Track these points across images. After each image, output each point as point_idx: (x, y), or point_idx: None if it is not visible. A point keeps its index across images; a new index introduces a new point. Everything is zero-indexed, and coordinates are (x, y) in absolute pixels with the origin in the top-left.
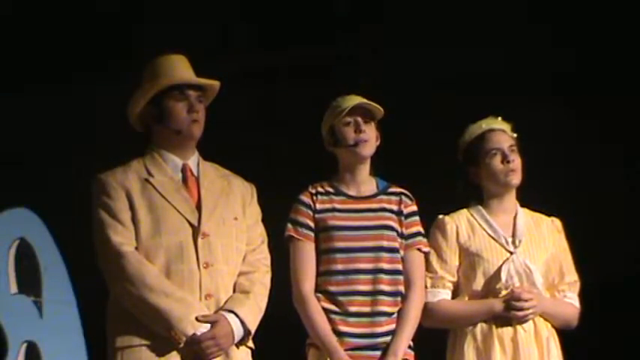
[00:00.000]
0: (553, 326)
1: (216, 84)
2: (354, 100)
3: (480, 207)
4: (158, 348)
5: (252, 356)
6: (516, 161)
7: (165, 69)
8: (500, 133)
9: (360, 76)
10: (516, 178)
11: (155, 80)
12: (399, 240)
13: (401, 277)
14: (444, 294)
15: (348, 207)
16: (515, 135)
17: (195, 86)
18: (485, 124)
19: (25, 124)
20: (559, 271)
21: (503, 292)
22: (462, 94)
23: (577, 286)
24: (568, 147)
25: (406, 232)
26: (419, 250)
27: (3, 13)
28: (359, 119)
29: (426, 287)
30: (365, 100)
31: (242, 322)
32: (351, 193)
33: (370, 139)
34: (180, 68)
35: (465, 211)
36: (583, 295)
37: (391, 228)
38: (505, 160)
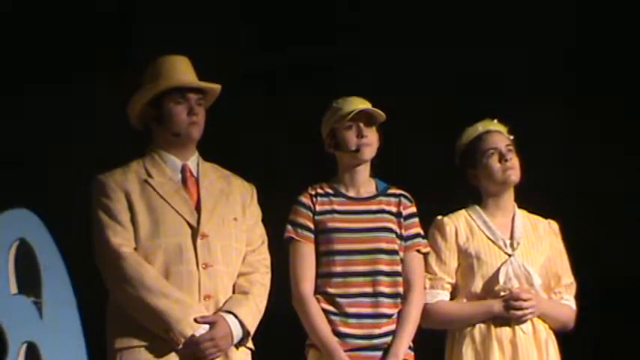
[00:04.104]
0: (550, 328)
1: (216, 87)
2: (356, 103)
3: (478, 208)
4: (157, 349)
5: (252, 357)
6: (514, 159)
7: (166, 70)
8: (497, 134)
9: (360, 76)
10: (515, 175)
11: (156, 81)
12: (399, 242)
13: (400, 279)
14: (442, 295)
15: (348, 208)
16: (511, 137)
17: (195, 89)
18: (482, 126)
19: (25, 124)
20: (555, 273)
21: (502, 295)
22: (462, 94)
23: (573, 288)
24: (568, 147)
25: (405, 233)
26: (418, 251)
27: (3, 13)
28: (361, 124)
29: (424, 288)
30: (367, 106)
31: (241, 323)
32: (351, 194)
33: (372, 143)
34: (181, 70)
35: (463, 211)
36: (583, 296)
37: (390, 230)
38: (503, 158)
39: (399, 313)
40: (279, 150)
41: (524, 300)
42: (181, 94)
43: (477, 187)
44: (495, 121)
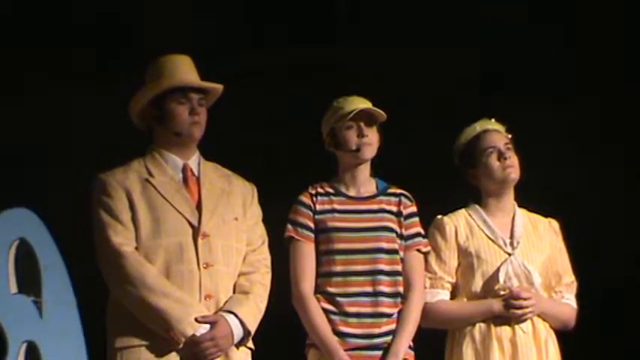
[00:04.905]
0: (551, 327)
1: (219, 87)
2: (356, 102)
3: (478, 207)
4: (158, 348)
5: (253, 357)
6: (513, 158)
7: (169, 70)
8: (495, 132)
9: (360, 76)
10: (514, 173)
11: (158, 81)
12: (399, 241)
13: (400, 278)
14: (442, 294)
15: (348, 208)
16: (509, 135)
17: (197, 88)
18: (480, 125)
19: (25, 124)
20: (556, 272)
21: (502, 294)
22: (462, 94)
23: (574, 287)
24: (568, 147)
25: (405, 233)
26: (418, 250)
27: (3, 13)
28: (361, 124)
29: (424, 287)
30: (368, 105)
31: (241, 323)
32: (351, 193)
33: (372, 142)
34: (183, 70)
35: (463, 211)
36: (583, 296)
37: (390, 229)
38: (502, 157)
39: (399, 312)
40: (279, 150)
41: (524, 299)
42: (183, 93)
43: (476, 186)
44: (493, 120)
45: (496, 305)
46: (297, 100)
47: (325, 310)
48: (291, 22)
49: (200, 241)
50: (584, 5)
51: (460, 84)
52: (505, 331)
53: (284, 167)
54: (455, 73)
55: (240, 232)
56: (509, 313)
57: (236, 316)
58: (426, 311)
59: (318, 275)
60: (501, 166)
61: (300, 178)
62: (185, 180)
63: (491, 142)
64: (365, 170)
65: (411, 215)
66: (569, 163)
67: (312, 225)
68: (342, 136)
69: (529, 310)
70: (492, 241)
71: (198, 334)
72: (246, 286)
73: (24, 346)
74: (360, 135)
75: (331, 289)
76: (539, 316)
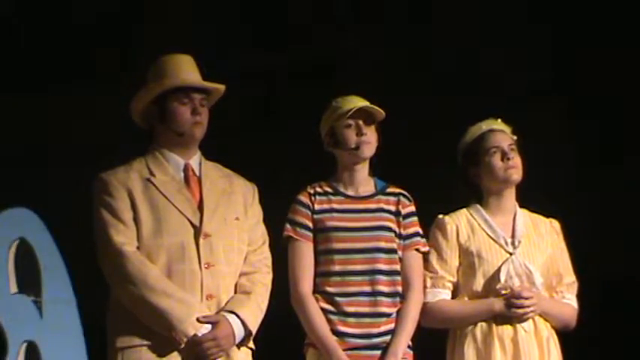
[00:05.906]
0: (552, 327)
1: (221, 87)
2: (355, 101)
3: (479, 207)
4: (159, 348)
5: (253, 357)
6: (516, 159)
7: (171, 69)
8: (500, 133)
9: (360, 76)
10: (516, 174)
11: (160, 80)
12: (397, 241)
13: (399, 278)
14: (443, 294)
15: (346, 207)
16: (514, 137)
17: (199, 88)
18: (486, 125)
19: (25, 124)
20: (557, 272)
21: (503, 293)
22: (462, 94)
23: (575, 287)
24: (568, 147)
25: (404, 232)
26: (417, 250)
27: (3, 14)
28: (360, 122)
29: (425, 287)
30: (367, 104)
31: (243, 323)
32: (350, 193)
33: (371, 141)
34: (185, 70)
35: (464, 210)
36: (583, 295)
37: (389, 229)
38: (505, 157)
39: (398, 312)
40: (279, 150)
41: (526, 298)
42: (185, 93)
43: (478, 185)
44: (499, 120)
45: (497, 304)
46: (297, 100)
47: (324, 310)
48: (291, 22)
49: (201, 240)
50: (584, 4)
51: (460, 84)
52: (507, 330)
53: (284, 167)
54: (455, 73)
55: (242, 232)
56: (510, 313)
57: (237, 316)
58: (428, 310)
59: (317, 275)
60: (504, 167)
61: (300, 178)
62: (186, 180)
63: (496, 142)
64: (364, 169)
65: (409, 215)
66: (569, 163)
67: (310, 224)
68: (341, 134)
69: (530, 309)
70: (494, 240)
71: (199, 334)
72: (247, 286)
73: (24, 346)
74: (359, 133)
75: (330, 289)
76: (540, 315)
